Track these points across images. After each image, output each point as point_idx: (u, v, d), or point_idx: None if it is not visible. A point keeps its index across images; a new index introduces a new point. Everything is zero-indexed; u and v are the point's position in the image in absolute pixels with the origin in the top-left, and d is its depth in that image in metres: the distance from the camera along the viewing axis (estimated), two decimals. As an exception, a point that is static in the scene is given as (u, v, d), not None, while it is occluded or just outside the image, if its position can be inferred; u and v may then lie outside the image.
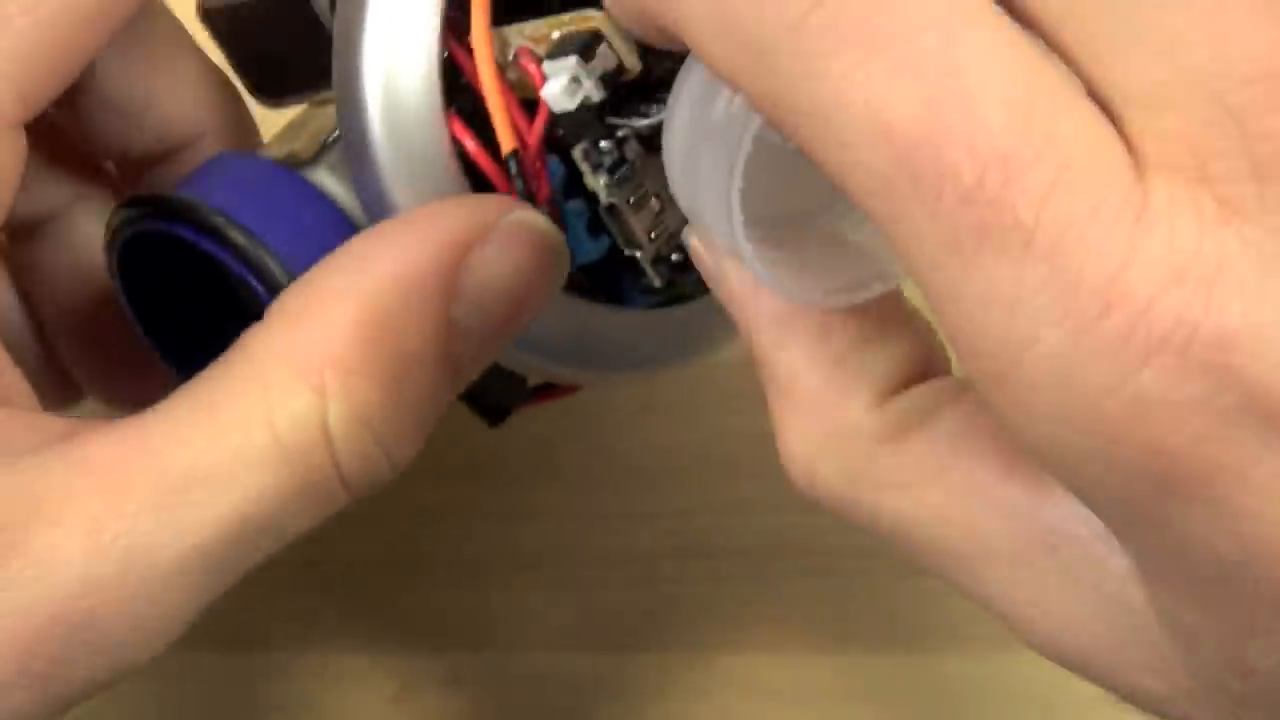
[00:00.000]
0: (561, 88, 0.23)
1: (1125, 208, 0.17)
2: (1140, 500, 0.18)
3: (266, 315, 0.24)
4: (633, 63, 0.24)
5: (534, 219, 0.24)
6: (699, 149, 0.21)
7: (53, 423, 0.24)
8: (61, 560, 0.22)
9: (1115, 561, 0.20)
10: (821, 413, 0.23)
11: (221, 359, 0.24)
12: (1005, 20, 0.18)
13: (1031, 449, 0.19)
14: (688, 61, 0.22)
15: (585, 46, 0.24)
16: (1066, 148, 0.17)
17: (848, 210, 0.23)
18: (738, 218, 0.21)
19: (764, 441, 0.22)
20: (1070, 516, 0.21)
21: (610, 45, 0.24)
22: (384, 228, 0.24)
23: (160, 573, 0.23)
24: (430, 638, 0.35)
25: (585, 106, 0.24)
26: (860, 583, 0.30)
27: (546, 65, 0.24)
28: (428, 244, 0.24)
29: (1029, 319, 0.17)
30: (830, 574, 0.29)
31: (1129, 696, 0.21)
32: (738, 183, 0.20)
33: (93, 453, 0.23)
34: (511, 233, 0.24)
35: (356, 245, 0.24)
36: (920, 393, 0.23)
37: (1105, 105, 0.18)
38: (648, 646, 0.35)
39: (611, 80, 0.24)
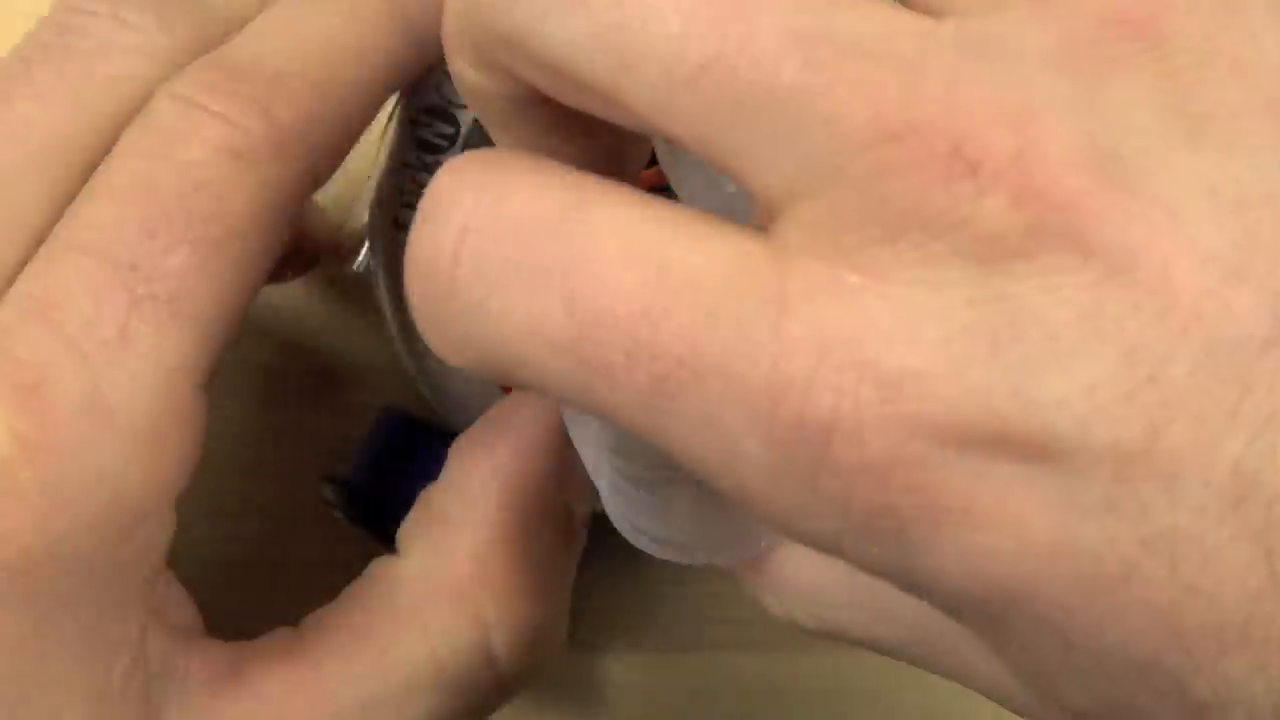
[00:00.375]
0: None
1: (767, 307, 0.18)
2: (898, 564, 0.18)
3: (403, 548, 0.26)
4: None
5: None
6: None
7: (220, 651, 0.25)
8: None
9: None
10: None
11: (369, 589, 0.25)
12: (627, 191, 0.19)
13: (818, 548, 0.19)
14: None
15: None
16: (698, 282, 0.18)
17: None
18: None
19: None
20: None
21: None
22: (488, 440, 0.26)
23: None
24: None
25: None
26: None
27: None
28: (530, 449, 0.25)
29: (732, 439, 0.18)
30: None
31: None
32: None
33: (266, 691, 0.24)
34: None
35: (469, 465, 0.26)
36: None
37: (766, 208, 0.19)
38: (647, 646, 0.35)
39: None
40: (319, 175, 0.24)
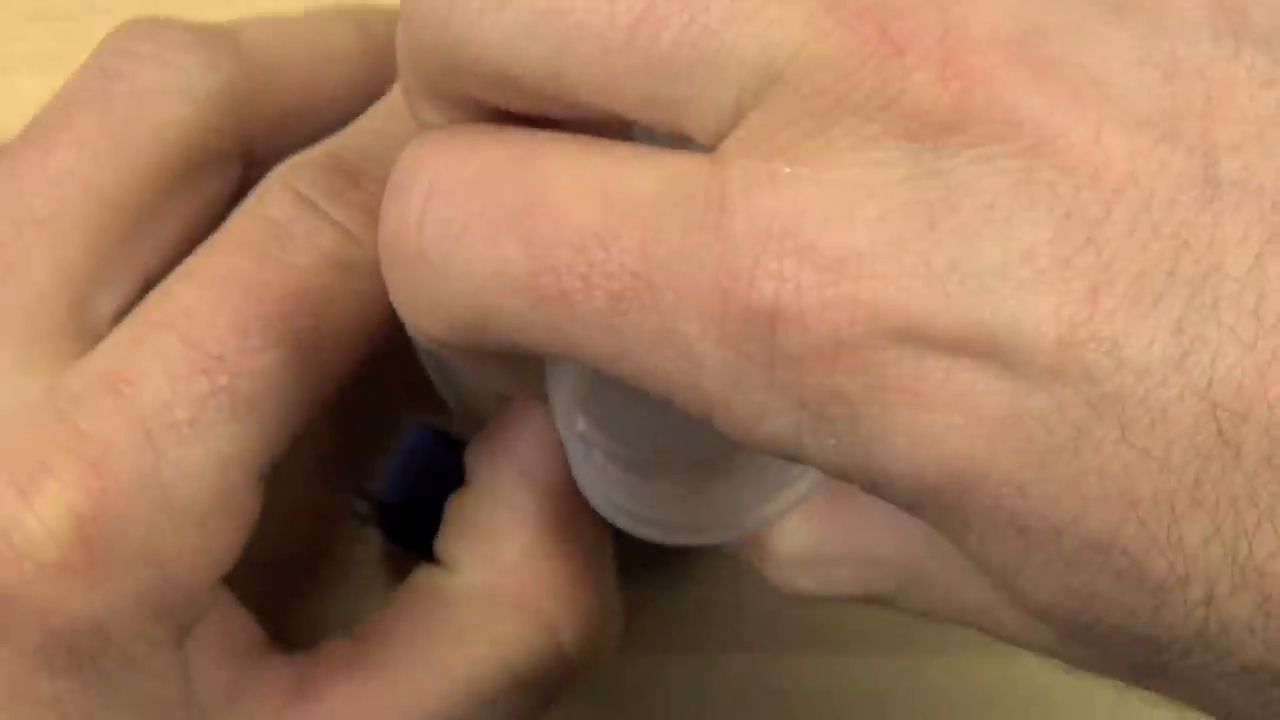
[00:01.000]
0: None
1: (709, 210, 0.18)
2: (856, 458, 0.18)
3: (447, 560, 0.26)
4: None
5: None
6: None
7: (286, 667, 0.25)
8: None
9: None
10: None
11: (420, 602, 0.25)
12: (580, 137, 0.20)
13: (783, 454, 0.19)
14: None
15: None
16: (643, 200, 0.19)
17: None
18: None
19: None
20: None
21: None
22: (506, 441, 0.26)
23: None
24: None
25: None
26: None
27: None
28: (549, 444, 0.26)
29: (688, 345, 0.18)
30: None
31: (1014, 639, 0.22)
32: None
33: (334, 708, 0.24)
34: None
35: (495, 469, 0.26)
36: None
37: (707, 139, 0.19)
38: (647, 646, 0.34)
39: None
40: None
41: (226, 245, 0.24)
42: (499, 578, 0.25)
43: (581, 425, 0.23)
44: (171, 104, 0.24)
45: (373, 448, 0.31)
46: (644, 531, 0.24)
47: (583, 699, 0.35)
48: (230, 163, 0.26)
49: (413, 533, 0.29)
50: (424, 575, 0.26)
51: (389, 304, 0.23)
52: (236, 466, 0.23)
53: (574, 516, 0.26)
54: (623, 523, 0.24)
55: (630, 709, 0.35)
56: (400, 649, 0.25)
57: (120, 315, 0.24)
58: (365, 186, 0.24)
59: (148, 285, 0.25)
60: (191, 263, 0.24)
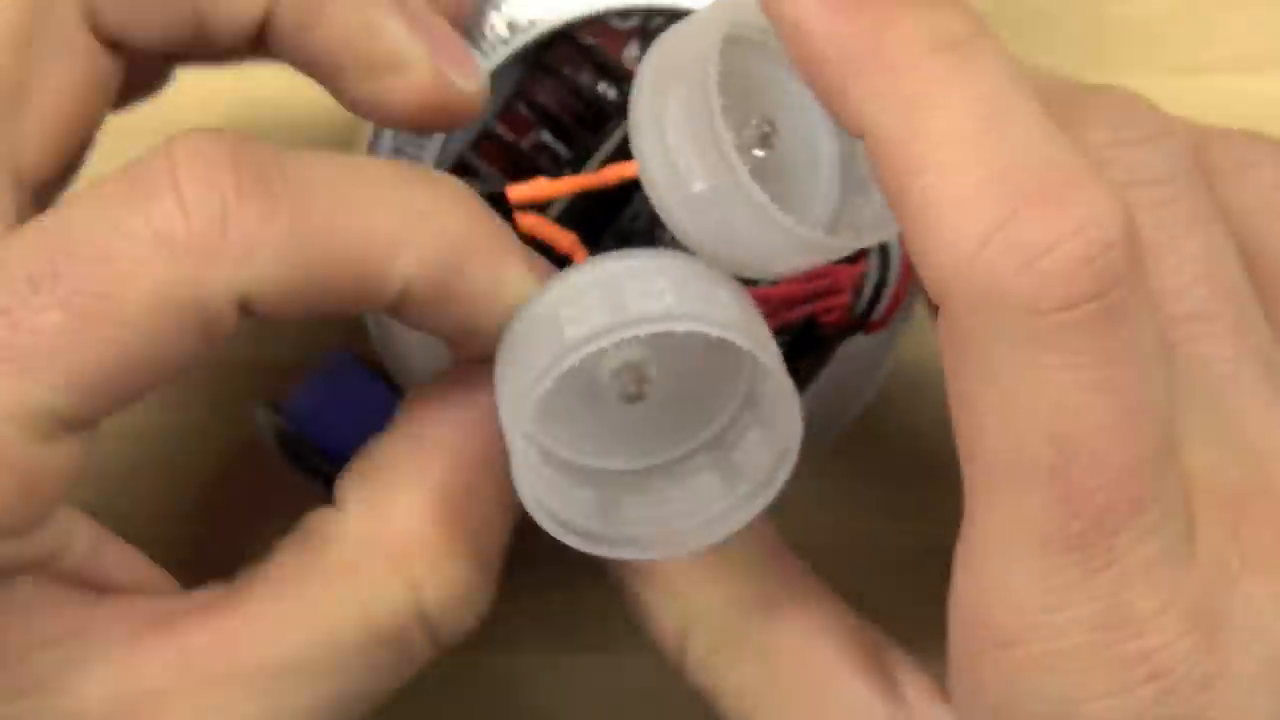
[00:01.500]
0: None
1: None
2: None
3: (340, 501, 0.25)
4: None
5: None
6: (718, 219, 0.23)
7: (146, 603, 0.24)
8: None
9: None
10: None
11: (303, 542, 0.25)
12: None
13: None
14: (642, 180, 0.24)
15: None
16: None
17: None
18: (789, 220, 0.22)
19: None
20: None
21: None
22: (442, 398, 0.25)
23: None
24: None
25: None
26: (860, 582, 0.28)
27: None
28: (489, 417, 0.24)
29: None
30: (831, 573, 0.28)
31: None
32: (763, 196, 0.22)
33: (191, 643, 0.24)
34: None
35: (417, 422, 0.25)
36: None
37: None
38: (648, 648, 0.33)
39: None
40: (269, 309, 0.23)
41: (71, 195, 0.23)
42: (380, 526, 0.25)
43: (527, 423, 0.23)
44: None
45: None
46: (570, 539, 0.24)
47: (582, 698, 0.35)
48: (80, 35, 0.25)
49: (308, 456, 0.28)
50: (312, 517, 0.25)
51: (219, 304, 0.22)
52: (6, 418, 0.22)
53: (478, 495, 0.25)
54: (549, 526, 0.23)
55: (628, 708, 0.35)
56: (268, 590, 0.24)
57: None
58: (248, 163, 0.23)
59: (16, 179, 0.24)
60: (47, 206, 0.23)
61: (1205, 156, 0.25)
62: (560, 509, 0.24)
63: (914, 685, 0.25)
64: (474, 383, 0.25)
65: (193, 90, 0.30)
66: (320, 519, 0.25)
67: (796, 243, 0.22)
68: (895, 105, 0.21)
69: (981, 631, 0.22)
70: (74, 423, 0.22)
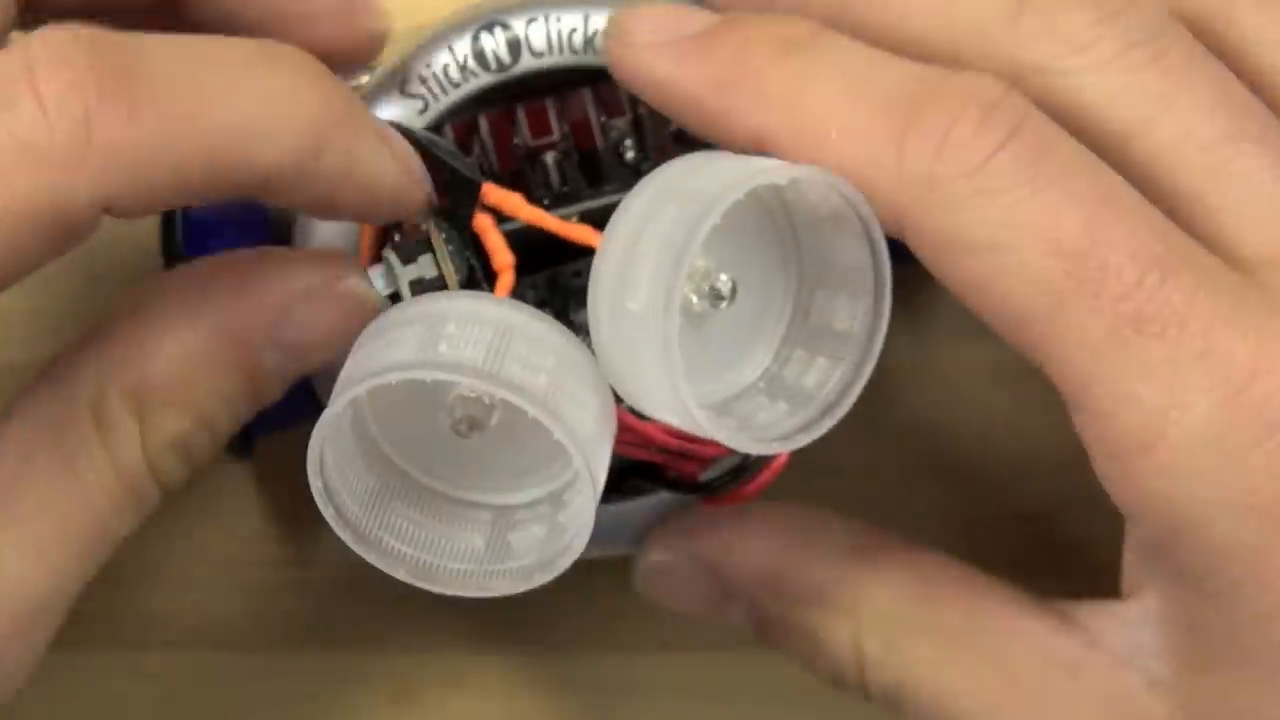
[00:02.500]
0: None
1: (1259, 304, 0.23)
2: (1264, 549, 0.23)
3: (97, 332, 0.25)
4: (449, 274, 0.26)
5: (359, 288, 0.26)
6: (631, 341, 0.23)
7: None
8: None
9: (1133, 679, 0.25)
10: None
11: (61, 373, 0.25)
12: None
13: (1161, 512, 0.23)
14: (594, 265, 0.24)
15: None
16: (1200, 259, 0.23)
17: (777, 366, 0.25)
18: (685, 390, 0.22)
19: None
20: (1090, 643, 0.25)
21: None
22: (221, 268, 0.25)
23: (29, 607, 0.24)
24: (431, 638, 0.35)
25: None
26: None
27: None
28: (255, 302, 0.25)
29: (1183, 389, 0.22)
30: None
31: None
32: (677, 359, 0.22)
33: None
34: (336, 298, 0.25)
35: (190, 282, 0.25)
36: None
37: (1223, 251, 0.24)
38: (647, 647, 0.35)
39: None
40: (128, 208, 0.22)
41: None
42: (127, 369, 0.25)
43: (361, 389, 0.23)
44: None
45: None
46: (327, 511, 0.24)
47: (582, 698, 0.35)
48: None
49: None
50: (80, 350, 0.25)
51: (87, 195, 0.22)
52: None
53: (222, 369, 0.25)
54: (314, 484, 0.24)
55: (627, 709, 0.35)
56: (23, 439, 0.25)
57: None
58: (107, 65, 0.22)
59: None
60: None
61: (1183, 9, 0.26)
62: (336, 478, 0.24)
63: (1081, 610, 0.26)
64: (262, 272, 0.25)
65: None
66: (82, 349, 0.25)
67: (680, 409, 0.23)
68: (773, 103, 0.24)
69: (1123, 446, 0.23)
70: None
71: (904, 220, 0.24)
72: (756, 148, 0.24)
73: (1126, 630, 0.25)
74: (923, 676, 0.26)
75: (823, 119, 0.24)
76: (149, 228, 0.29)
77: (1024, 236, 0.23)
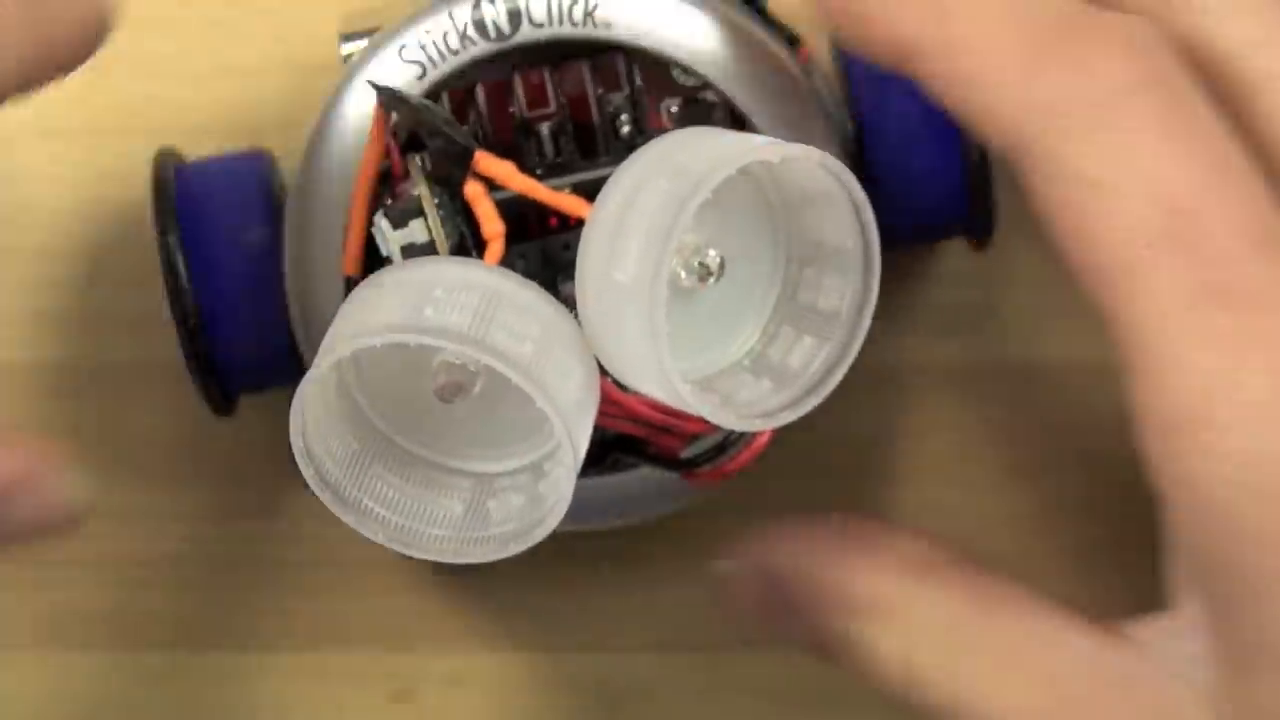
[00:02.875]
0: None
1: None
2: None
3: None
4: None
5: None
6: (618, 313, 0.23)
7: None
8: None
9: (1184, 693, 0.24)
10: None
11: None
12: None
13: (1201, 497, 0.23)
14: (583, 235, 0.24)
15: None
16: None
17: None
18: (670, 363, 0.22)
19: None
20: (1140, 657, 0.25)
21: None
22: None
23: None
24: (431, 638, 0.35)
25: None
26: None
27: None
28: None
29: (1242, 366, 0.22)
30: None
31: None
32: (664, 332, 0.22)
33: None
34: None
35: None
36: None
37: None
38: (647, 647, 0.35)
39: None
40: None
41: None
42: None
43: (346, 350, 0.22)
44: None
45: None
46: (307, 471, 0.24)
47: (582, 698, 0.35)
48: None
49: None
50: None
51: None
52: None
53: None
54: (296, 444, 0.23)
55: (627, 709, 0.35)
56: None
57: None
58: None
59: None
60: None
61: None
62: (317, 440, 0.24)
63: (1128, 624, 0.26)
64: None
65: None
66: None
67: (664, 383, 0.23)
68: (924, 8, 0.24)
69: (1170, 420, 0.23)
70: None
71: (1021, 141, 0.24)
72: (892, 53, 0.25)
73: (1173, 642, 0.25)
74: (974, 694, 0.26)
75: (969, 34, 0.24)
76: (148, 227, 0.29)
77: (1135, 181, 0.23)
